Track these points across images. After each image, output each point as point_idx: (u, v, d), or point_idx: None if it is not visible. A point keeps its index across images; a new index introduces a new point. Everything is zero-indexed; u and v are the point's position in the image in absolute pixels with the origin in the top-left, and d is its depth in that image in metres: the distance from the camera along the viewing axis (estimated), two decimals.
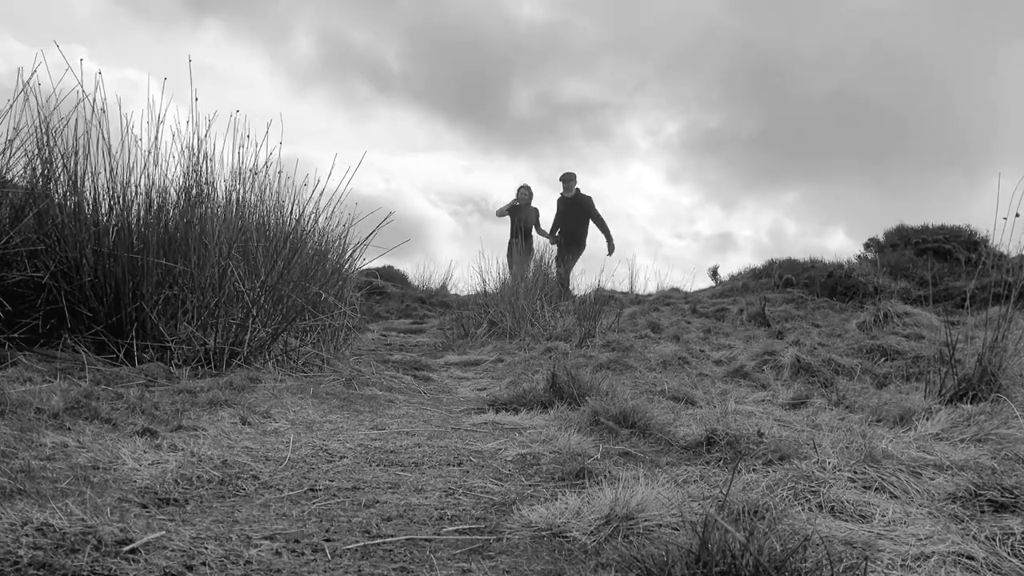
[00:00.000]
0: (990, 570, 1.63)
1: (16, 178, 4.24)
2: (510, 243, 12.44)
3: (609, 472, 2.51)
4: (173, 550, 1.62)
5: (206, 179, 4.72)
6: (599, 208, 12.63)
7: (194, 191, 4.61)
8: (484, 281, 10.00)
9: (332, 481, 2.43)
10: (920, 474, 2.35)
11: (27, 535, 1.55)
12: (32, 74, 4.15)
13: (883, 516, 1.98)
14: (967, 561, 1.67)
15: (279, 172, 5.56)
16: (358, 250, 6.34)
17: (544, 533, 1.91)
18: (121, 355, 4.02)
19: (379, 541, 1.82)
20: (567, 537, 1.88)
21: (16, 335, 3.85)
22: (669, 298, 14.19)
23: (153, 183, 4.45)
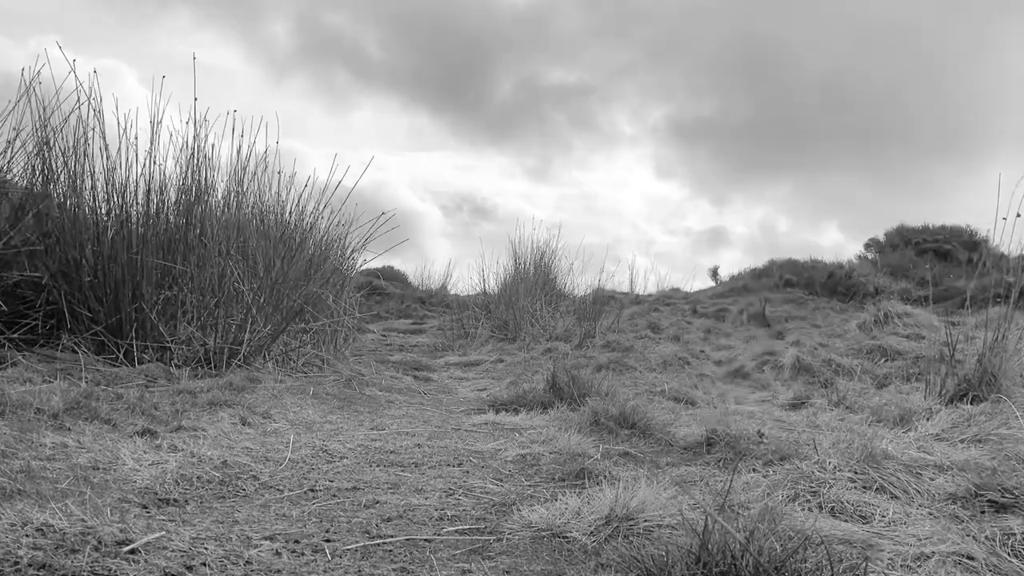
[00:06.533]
0: (990, 570, 1.63)
1: (16, 178, 4.24)
2: None
3: (609, 472, 2.51)
4: (173, 550, 1.62)
5: (205, 179, 4.72)
6: None
7: (193, 191, 4.61)
8: (484, 281, 10.00)
9: (332, 482, 2.43)
10: (920, 474, 2.35)
11: (27, 535, 1.55)
12: (34, 76, 4.15)
13: (883, 516, 1.98)
14: (967, 561, 1.67)
15: (279, 172, 5.57)
16: (358, 249, 6.35)
17: (544, 533, 1.91)
18: (121, 355, 4.02)
19: (379, 541, 1.82)
20: (567, 537, 1.88)
21: (16, 335, 3.85)
22: (669, 298, 14.20)
23: (152, 183, 4.45)
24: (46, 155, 4.21)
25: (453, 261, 20.42)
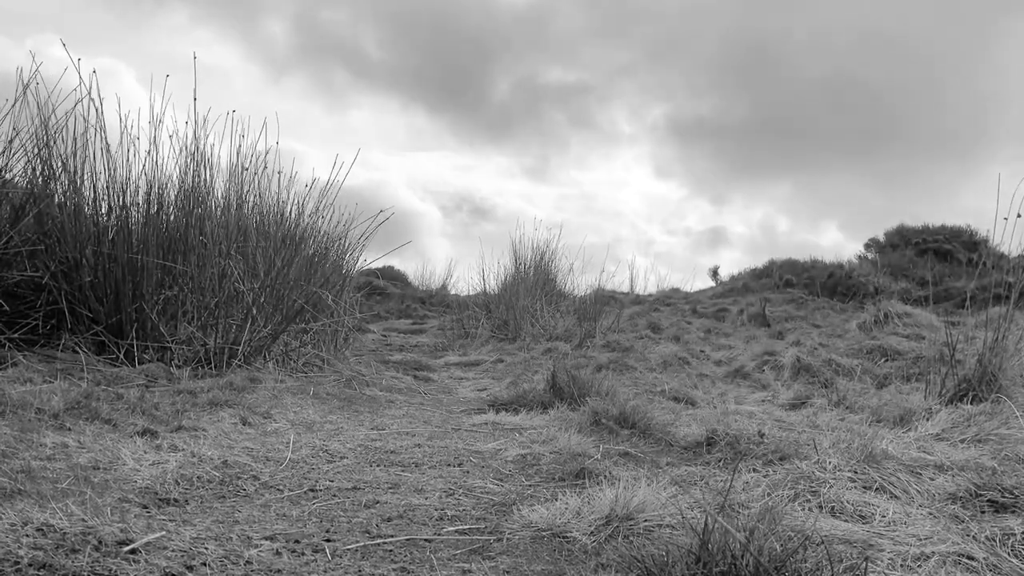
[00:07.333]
0: (990, 570, 1.63)
1: (16, 178, 4.24)
2: None
3: (609, 472, 2.51)
4: (173, 550, 1.62)
5: (205, 179, 4.72)
6: None
7: (193, 191, 4.61)
8: (484, 281, 10.00)
9: (332, 481, 2.44)
10: (920, 474, 2.35)
11: (27, 535, 1.55)
12: (32, 75, 4.15)
13: (883, 516, 1.98)
14: (967, 561, 1.67)
15: (278, 172, 5.57)
16: (358, 249, 6.35)
17: (544, 533, 1.92)
18: (121, 355, 4.02)
19: (379, 541, 1.83)
20: (567, 537, 1.88)
21: (16, 335, 3.85)
22: (669, 298, 14.21)
23: (152, 182, 4.45)
24: (46, 155, 4.21)
25: (453, 261, 20.39)
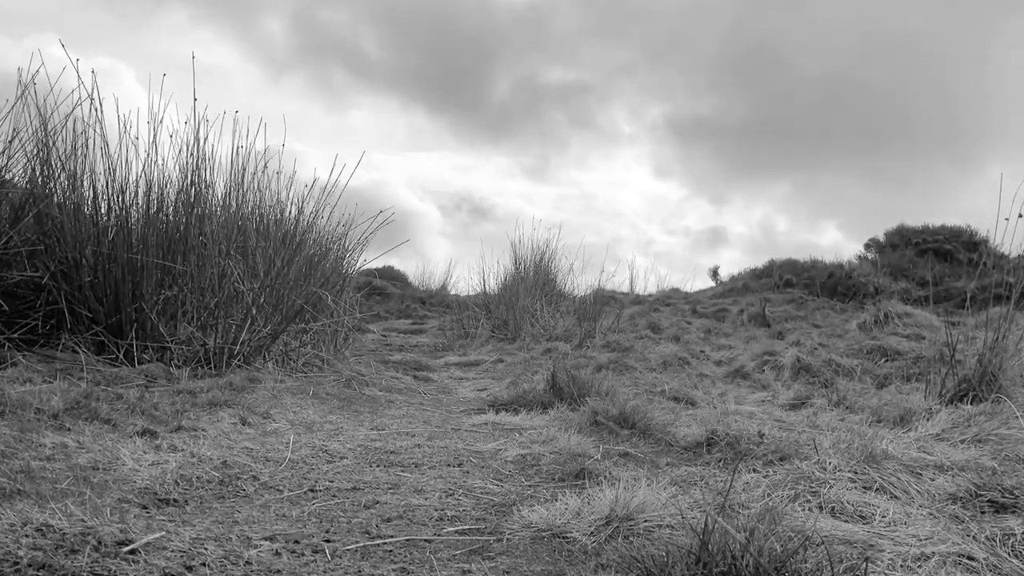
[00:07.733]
0: (990, 571, 1.63)
1: (16, 178, 4.24)
2: None
3: (609, 473, 2.51)
4: (173, 551, 1.62)
5: (205, 179, 4.71)
6: None
7: (193, 191, 4.61)
8: (484, 281, 10.00)
9: (332, 482, 2.43)
10: (920, 475, 2.34)
11: (27, 535, 1.55)
12: (32, 76, 4.15)
13: (883, 517, 1.98)
14: (967, 562, 1.67)
15: (278, 172, 5.57)
16: (358, 249, 6.35)
17: (544, 534, 1.91)
18: (121, 356, 4.02)
19: (379, 542, 1.82)
20: (567, 538, 1.88)
21: (16, 335, 3.85)
22: (669, 298, 14.21)
23: (152, 182, 4.45)
24: (45, 155, 4.21)
25: (453, 261, 20.40)
